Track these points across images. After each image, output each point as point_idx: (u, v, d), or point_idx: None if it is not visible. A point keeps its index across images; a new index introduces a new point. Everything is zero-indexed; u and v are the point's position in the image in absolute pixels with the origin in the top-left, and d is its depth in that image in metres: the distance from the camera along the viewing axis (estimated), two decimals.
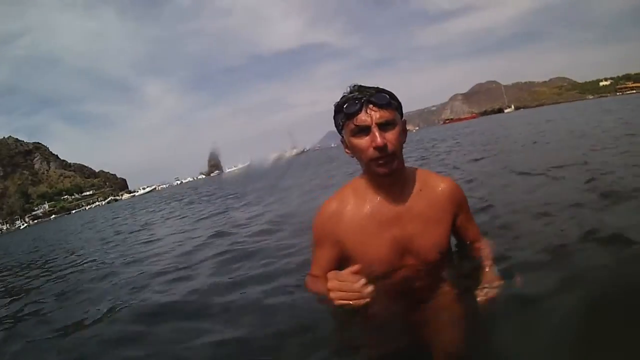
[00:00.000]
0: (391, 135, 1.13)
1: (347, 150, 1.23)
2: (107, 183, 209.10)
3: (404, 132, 1.20)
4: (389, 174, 1.15)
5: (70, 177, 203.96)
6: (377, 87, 1.17)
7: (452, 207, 1.26)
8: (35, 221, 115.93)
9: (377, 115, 1.11)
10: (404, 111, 1.20)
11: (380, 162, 1.12)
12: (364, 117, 1.12)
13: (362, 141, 1.13)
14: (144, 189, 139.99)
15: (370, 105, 1.12)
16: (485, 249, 1.33)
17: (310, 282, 1.33)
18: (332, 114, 1.21)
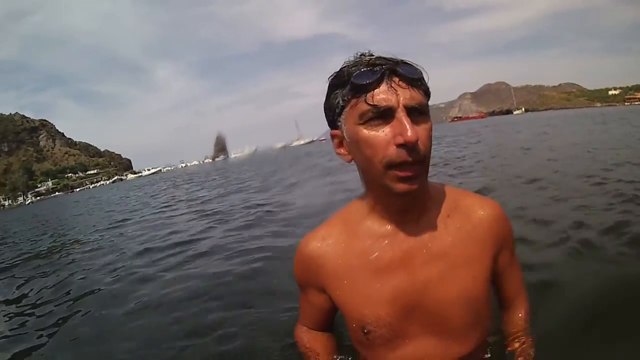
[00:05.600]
0: (424, 132, 0.74)
1: (341, 150, 0.81)
2: (112, 163, 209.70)
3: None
4: (412, 193, 0.75)
5: (74, 156, 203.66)
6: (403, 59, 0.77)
7: (492, 244, 0.85)
8: (38, 198, 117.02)
9: (407, 95, 0.71)
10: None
11: (405, 171, 0.72)
12: (385, 95, 0.71)
13: (379, 134, 0.72)
14: (148, 170, 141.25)
15: (396, 79, 0.72)
16: (523, 325, 0.94)
17: (300, 340, 1.02)
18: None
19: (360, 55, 0.75)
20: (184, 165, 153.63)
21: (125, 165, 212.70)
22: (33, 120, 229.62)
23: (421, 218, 0.81)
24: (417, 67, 0.74)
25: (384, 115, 0.70)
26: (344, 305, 0.85)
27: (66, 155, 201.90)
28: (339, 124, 0.77)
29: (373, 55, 0.74)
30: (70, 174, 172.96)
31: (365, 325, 0.81)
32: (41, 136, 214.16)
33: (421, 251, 0.80)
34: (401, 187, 0.72)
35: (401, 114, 0.69)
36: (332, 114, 0.78)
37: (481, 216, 0.84)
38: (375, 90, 0.70)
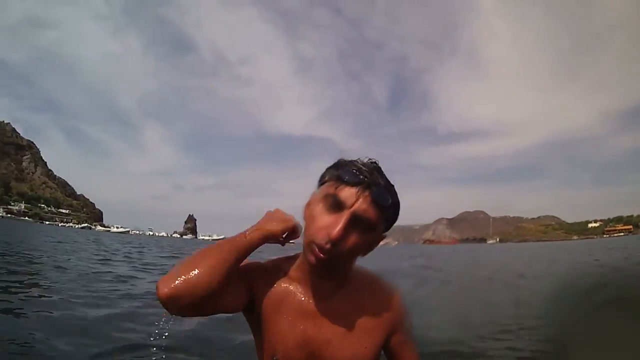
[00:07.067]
0: (355, 239, 0.87)
1: (305, 210, 0.96)
2: (85, 209, 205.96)
3: (372, 244, 0.96)
4: (317, 267, 0.90)
5: (52, 189, 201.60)
6: (390, 183, 0.92)
7: (387, 322, 1.02)
8: (9, 215, 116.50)
9: (363, 207, 0.85)
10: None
11: (319, 252, 0.86)
12: (349, 195, 0.85)
13: (324, 216, 0.87)
14: (117, 228, 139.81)
15: (366, 192, 0.86)
16: None
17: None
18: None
19: (368, 159, 0.92)
20: (151, 233, 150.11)
21: (97, 216, 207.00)
22: (22, 138, 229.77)
23: (337, 289, 0.99)
24: (389, 197, 0.88)
25: (337, 206, 0.85)
26: (265, 324, 0.99)
27: (44, 185, 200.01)
28: (317, 191, 0.95)
29: (372, 163, 0.91)
30: (43, 205, 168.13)
31: (275, 354, 0.96)
32: (25, 157, 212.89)
33: (328, 312, 0.97)
34: (311, 258, 0.88)
35: (345, 215, 0.84)
36: (319, 181, 0.96)
37: (381, 298, 1.03)
38: (346, 188, 0.86)
